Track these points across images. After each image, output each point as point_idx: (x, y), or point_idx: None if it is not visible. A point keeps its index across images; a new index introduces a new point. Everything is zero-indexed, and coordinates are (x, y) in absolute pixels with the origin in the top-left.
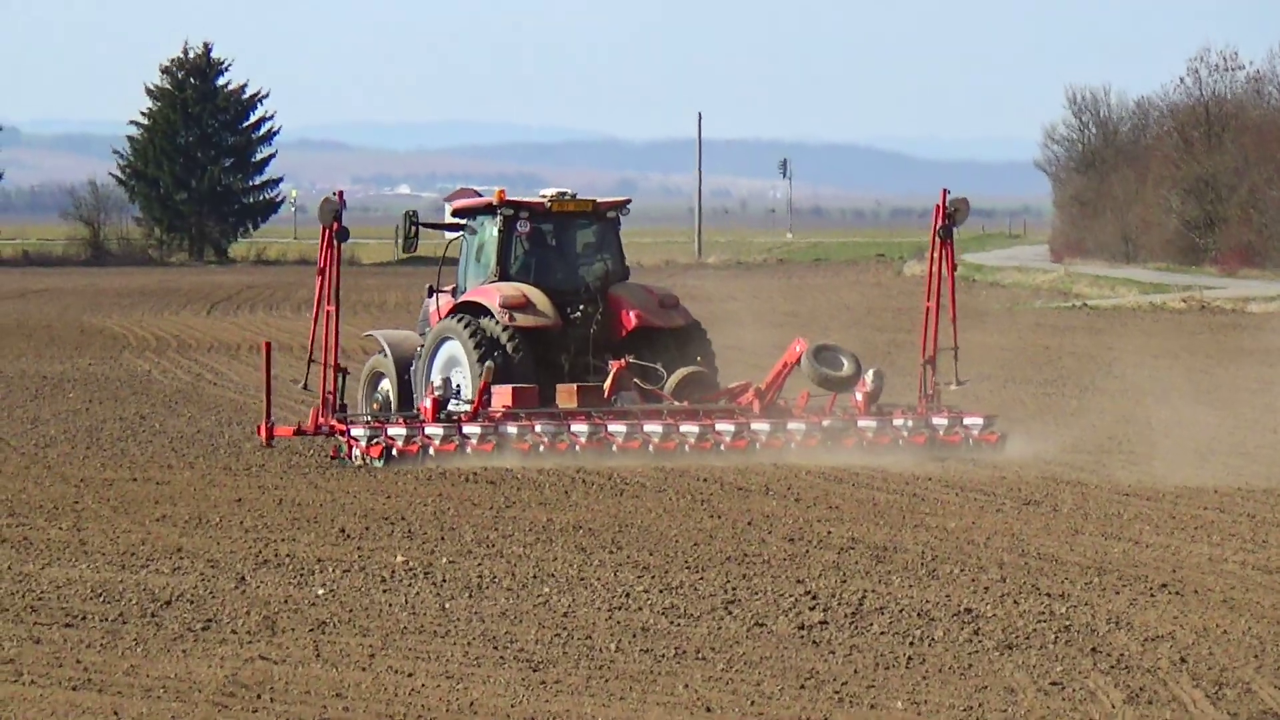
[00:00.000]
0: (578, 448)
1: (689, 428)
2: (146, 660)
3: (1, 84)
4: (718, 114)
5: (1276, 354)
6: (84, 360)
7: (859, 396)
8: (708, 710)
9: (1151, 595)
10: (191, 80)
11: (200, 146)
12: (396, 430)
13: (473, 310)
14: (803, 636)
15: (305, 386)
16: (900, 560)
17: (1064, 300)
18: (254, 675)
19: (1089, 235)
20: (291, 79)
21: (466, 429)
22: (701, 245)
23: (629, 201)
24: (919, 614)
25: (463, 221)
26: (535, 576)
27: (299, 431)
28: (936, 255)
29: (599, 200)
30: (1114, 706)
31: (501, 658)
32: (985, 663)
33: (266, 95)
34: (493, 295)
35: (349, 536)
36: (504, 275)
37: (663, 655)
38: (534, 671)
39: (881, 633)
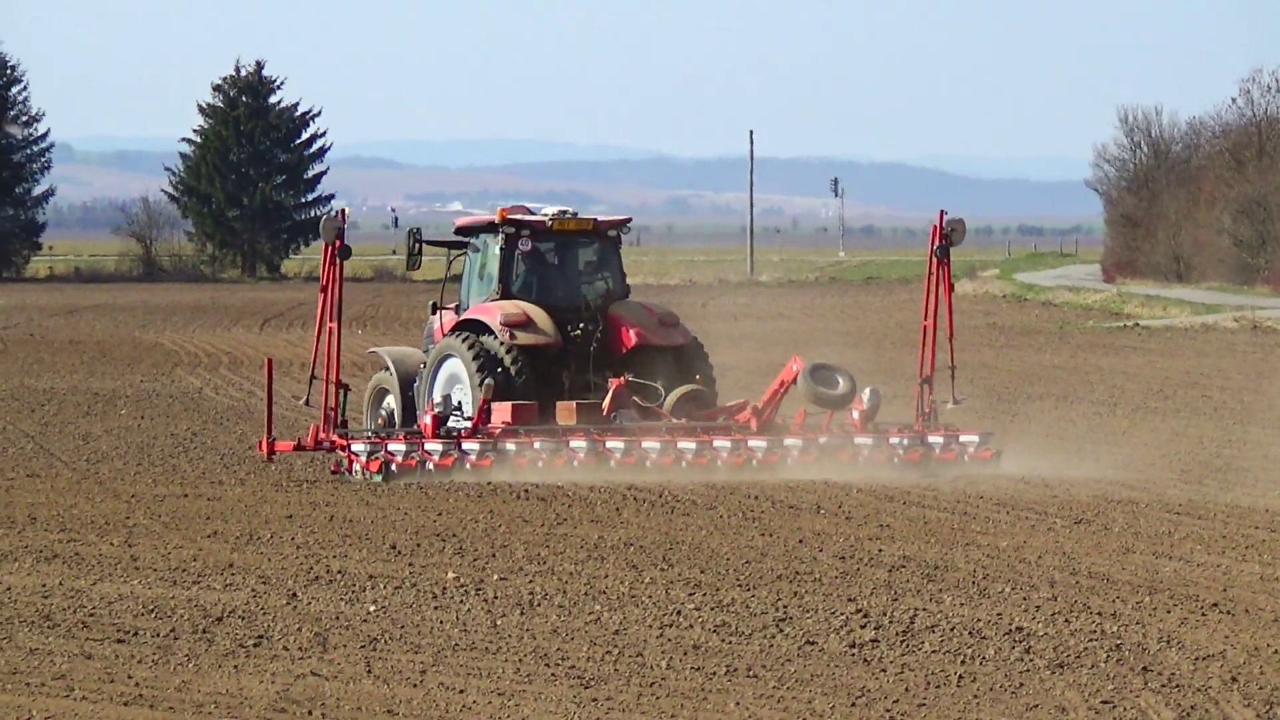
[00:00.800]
0: (575, 464)
1: (686, 444)
2: (198, 676)
3: (54, 101)
4: (770, 132)
5: None
6: (136, 376)
7: (856, 415)
8: None
9: (1203, 614)
10: (244, 98)
11: (252, 163)
12: (396, 446)
13: (474, 328)
14: (854, 654)
15: (308, 402)
16: (951, 578)
17: (1115, 320)
18: (305, 692)
19: (1140, 255)
20: (344, 97)
21: (466, 445)
22: (754, 263)
23: (629, 220)
24: (970, 632)
25: (466, 240)
26: (586, 594)
27: (299, 447)
28: (934, 275)
29: (600, 219)
30: None
31: (553, 675)
32: (1036, 682)
33: (318, 113)
34: (494, 313)
35: (400, 553)
36: (505, 293)
37: (714, 673)
38: (585, 689)
39: (933, 651)
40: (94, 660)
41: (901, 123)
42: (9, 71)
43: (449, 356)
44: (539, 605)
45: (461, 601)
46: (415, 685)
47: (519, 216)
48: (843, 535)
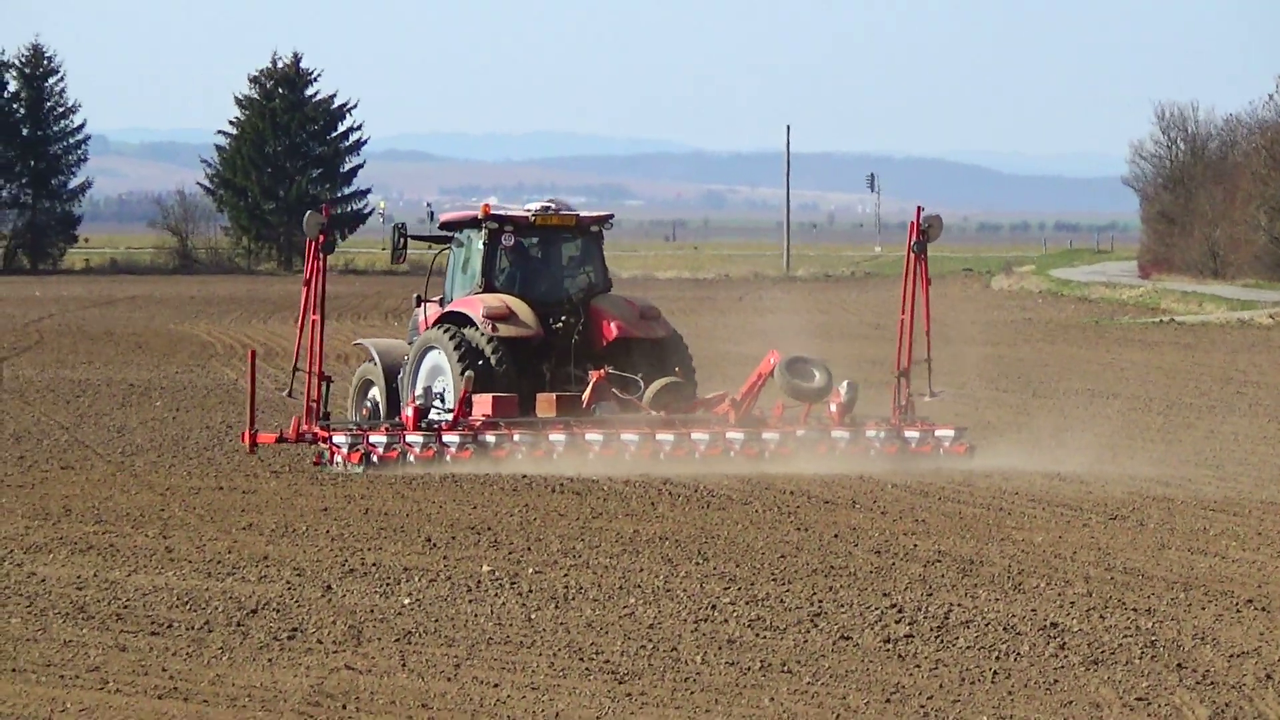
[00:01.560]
0: (555, 456)
1: (665, 436)
2: (232, 669)
3: (90, 93)
4: (807, 127)
5: None
6: (171, 368)
7: (833, 408)
8: None
9: (1238, 611)
10: (280, 90)
11: (288, 156)
12: (377, 438)
13: (457, 320)
14: (888, 650)
15: (290, 394)
16: (986, 574)
17: (1151, 316)
18: (339, 685)
19: (1176, 251)
20: (381, 90)
21: (446, 437)
22: (790, 258)
23: (611, 216)
24: (1005, 628)
25: (451, 234)
26: (621, 587)
27: (281, 439)
28: (911, 270)
29: (582, 214)
30: None
31: (587, 669)
32: (1071, 678)
33: (355, 106)
34: (476, 306)
35: (435, 546)
36: (489, 286)
37: (748, 668)
38: (619, 683)
39: (967, 647)
40: (128, 652)
41: (939, 118)
42: (46, 63)
43: (431, 348)
44: (574, 599)
45: (496, 595)
46: (449, 679)
47: (502, 212)
48: (878, 530)
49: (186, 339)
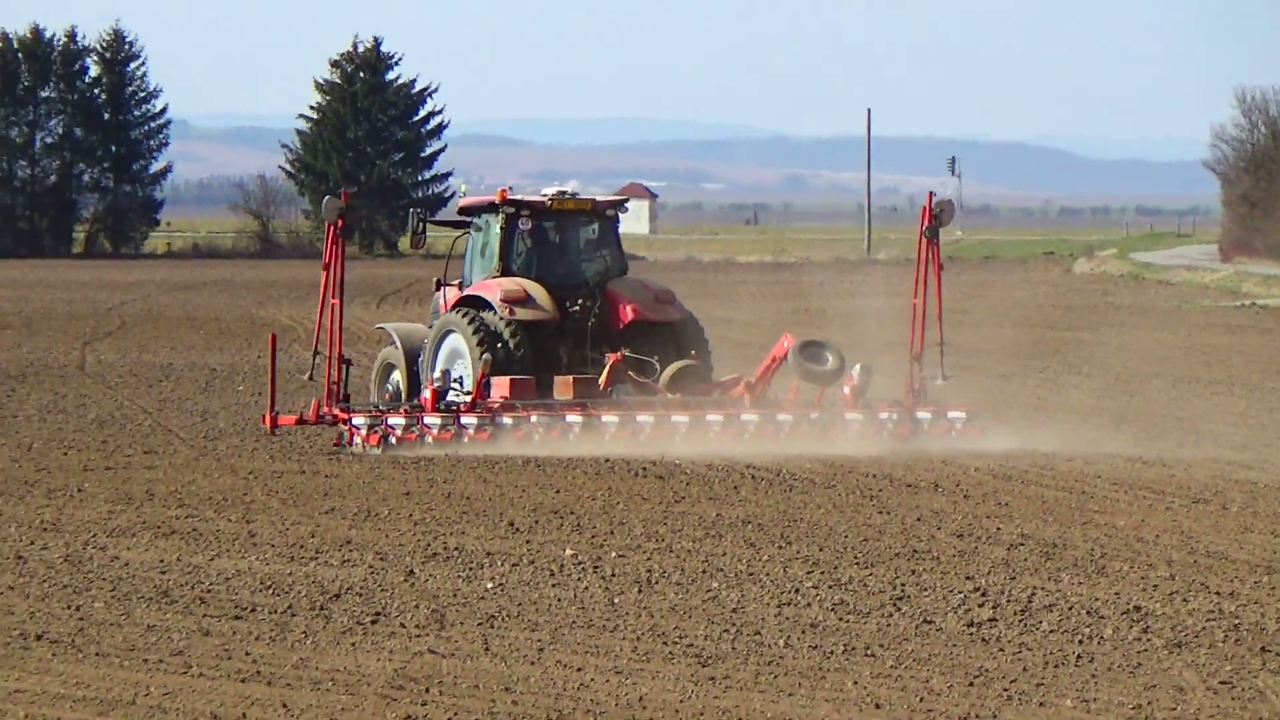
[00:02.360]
0: (571, 437)
1: (680, 418)
2: (315, 653)
3: (171, 77)
4: (887, 111)
5: None
6: (253, 353)
7: (847, 390)
8: (876, 707)
9: None
10: (361, 74)
11: (369, 141)
12: (395, 420)
13: (475, 304)
14: (971, 634)
15: (311, 377)
16: (1069, 557)
17: (1233, 299)
18: (422, 669)
19: (1258, 235)
20: (461, 74)
21: (464, 419)
22: (871, 242)
23: (627, 200)
24: (1088, 612)
25: (469, 219)
26: (704, 571)
27: (301, 421)
28: (923, 254)
29: (598, 199)
30: None
31: (670, 653)
32: (1154, 661)
33: (436, 90)
34: (494, 290)
35: (518, 530)
36: (506, 270)
37: (831, 651)
38: (703, 667)
39: (1050, 631)
40: (211, 637)
41: (1020, 102)
42: (127, 48)
43: (450, 332)
44: (657, 583)
45: (579, 579)
46: (533, 663)
47: (519, 197)
48: (961, 513)
49: (268, 323)
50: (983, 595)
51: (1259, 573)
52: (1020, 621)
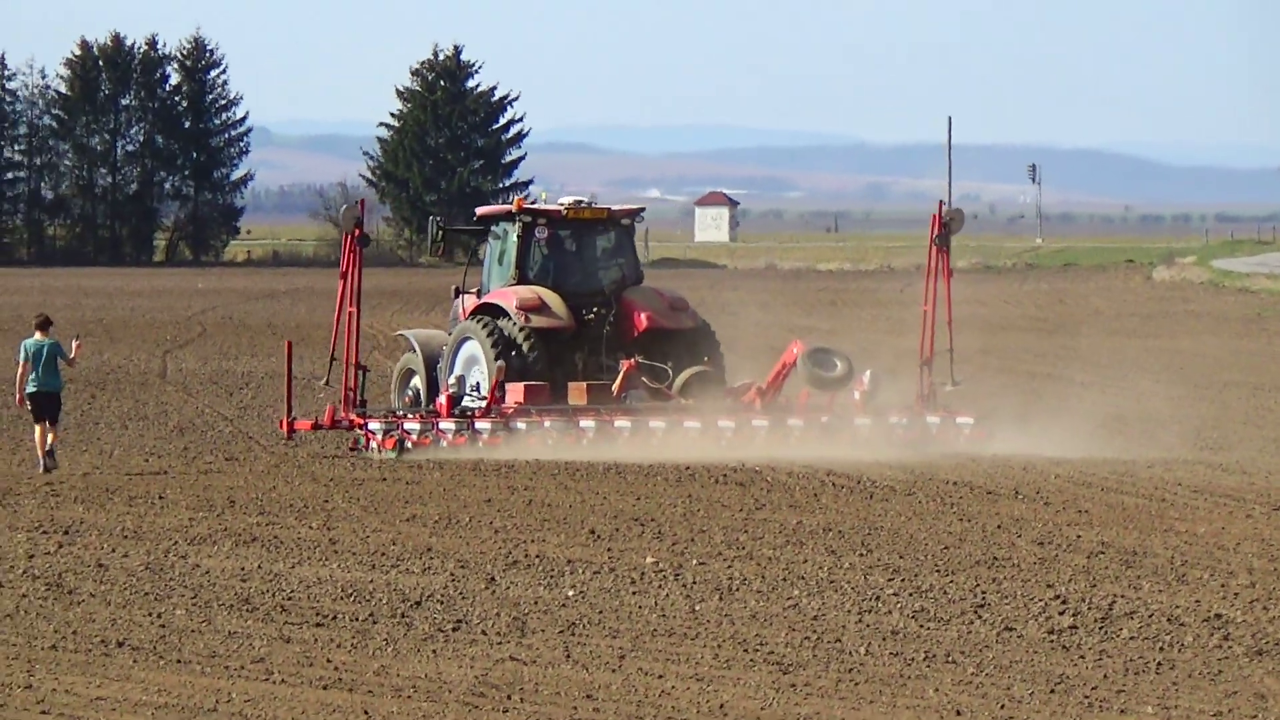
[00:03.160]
0: (585, 442)
1: (692, 424)
2: (397, 660)
3: (253, 85)
4: (967, 118)
5: None
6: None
7: (857, 395)
8: (958, 714)
9: None
10: (442, 82)
11: (450, 148)
12: (411, 425)
13: (491, 311)
14: (1052, 641)
15: (328, 383)
16: (1149, 565)
17: None
18: (504, 676)
19: None
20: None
21: (478, 424)
22: (951, 250)
23: (643, 210)
24: (1168, 619)
25: (487, 227)
26: (785, 579)
27: (317, 426)
28: (933, 262)
29: (613, 208)
30: None
31: (751, 660)
32: (1235, 669)
33: (517, 97)
34: (510, 297)
35: (599, 537)
36: (523, 278)
37: (912, 659)
38: (784, 674)
39: (1131, 638)
40: (292, 644)
41: (1100, 109)
42: (207, 56)
43: (467, 339)
44: (737, 590)
45: (660, 586)
46: (614, 670)
47: (536, 206)
48: (1041, 521)
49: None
50: (1063, 603)
51: None
52: (1101, 629)
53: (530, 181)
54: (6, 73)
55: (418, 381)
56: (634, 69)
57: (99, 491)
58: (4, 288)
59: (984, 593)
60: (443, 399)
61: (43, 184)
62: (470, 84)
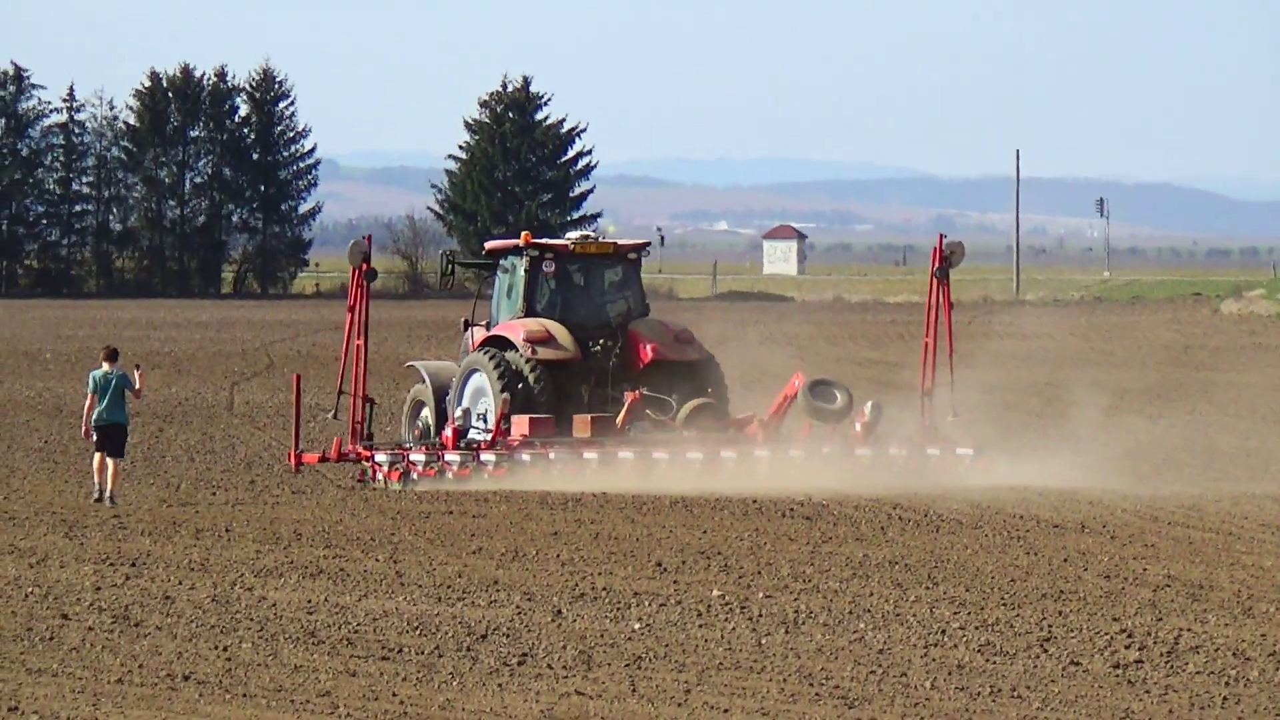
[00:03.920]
0: (588, 474)
1: (694, 455)
2: (462, 694)
3: (320, 117)
4: (1035, 152)
5: None
6: (401, 393)
7: (858, 427)
8: None
9: None
10: (510, 114)
11: (518, 181)
12: (417, 456)
13: (499, 344)
14: (1118, 675)
15: (335, 416)
16: (1216, 599)
17: None
18: (570, 710)
19: None
20: (610, 114)
21: (484, 456)
22: (1019, 283)
23: (648, 244)
24: (1235, 654)
25: (496, 261)
26: (851, 612)
27: (324, 458)
28: (934, 294)
29: (619, 242)
30: None
31: (817, 694)
32: None
33: (585, 130)
34: (517, 330)
35: (665, 570)
36: (530, 311)
37: (978, 693)
38: (849, 708)
39: (1197, 672)
40: (358, 677)
41: (1169, 143)
42: (276, 87)
43: (475, 371)
44: (803, 624)
45: (726, 620)
46: (680, 704)
47: (543, 240)
48: (1107, 554)
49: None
50: (1129, 636)
51: None
52: (1167, 663)
53: (599, 214)
54: (75, 104)
55: (428, 413)
56: (702, 102)
57: (166, 524)
58: (72, 320)
59: (1050, 626)
60: (448, 431)
61: (111, 216)
62: (539, 116)
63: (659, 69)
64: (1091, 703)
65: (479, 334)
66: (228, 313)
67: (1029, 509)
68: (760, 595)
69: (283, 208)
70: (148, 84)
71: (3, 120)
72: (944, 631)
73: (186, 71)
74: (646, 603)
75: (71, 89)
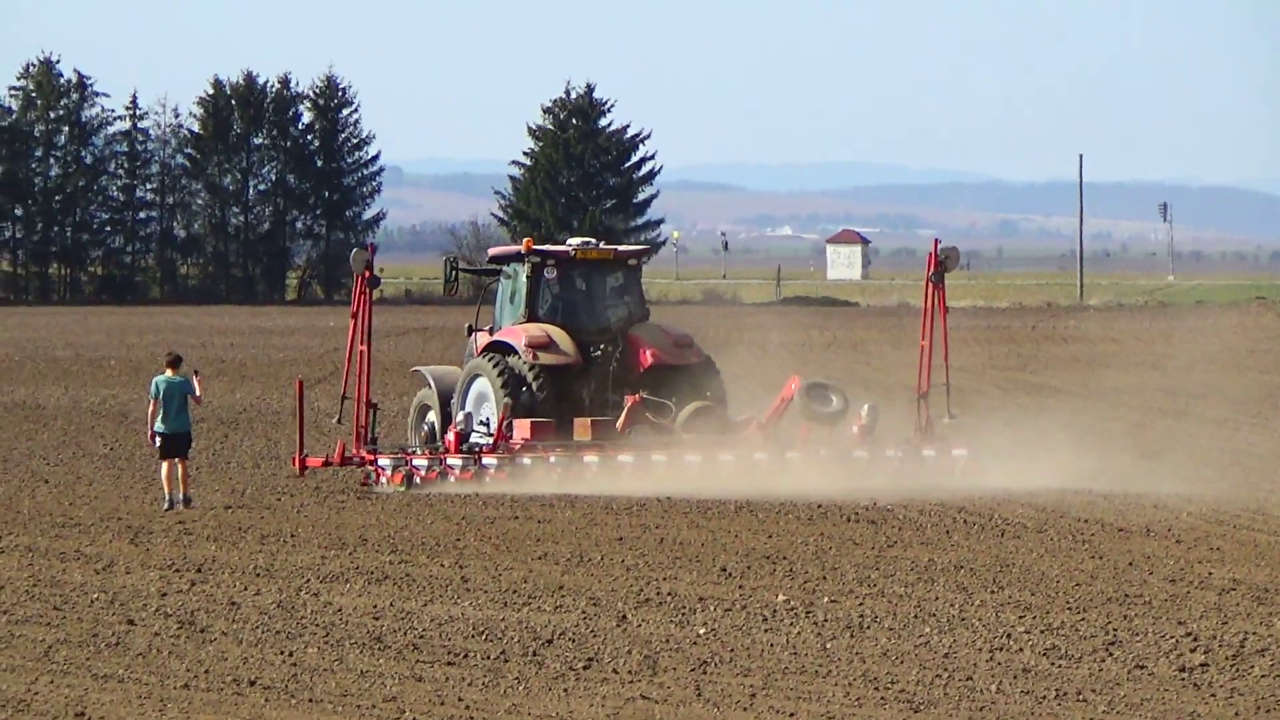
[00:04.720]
0: (589, 476)
1: (693, 457)
2: (528, 699)
3: (385, 124)
4: (1099, 156)
5: None
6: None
7: (855, 429)
8: None
9: None
10: (574, 120)
11: (582, 186)
12: (419, 460)
13: (501, 349)
14: (1183, 679)
15: (339, 421)
16: None
17: None
18: (635, 714)
19: None
20: (674, 120)
21: (485, 460)
22: (1083, 287)
23: (648, 250)
24: None
25: (499, 267)
26: (916, 616)
27: (328, 463)
28: (930, 298)
29: (620, 249)
30: None
31: (882, 698)
32: None
33: (649, 136)
34: (519, 335)
35: (730, 575)
36: (532, 316)
37: (1043, 697)
38: (915, 712)
39: (1263, 675)
40: (424, 683)
41: (1231, 146)
42: (340, 95)
43: (478, 376)
44: (869, 628)
45: (791, 624)
46: (745, 709)
47: (545, 247)
48: (1172, 558)
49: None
50: (1194, 640)
51: None
52: (1232, 666)
53: (662, 220)
54: (139, 111)
55: (433, 417)
56: (766, 107)
57: (231, 530)
58: (136, 326)
59: (1115, 630)
60: (451, 435)
61: (175, 223)
62: (602, 122)
63: (723, 74)
64: (1157, 706)
65: (482, 339)
66: (291, 320)
67: (1094, 513)
68: (825, 599)
69: (347, 214)
70: (211, 92)
71: (66, 128)
72: (1009, 635)
73: (250, 79)
74: (711, 607)
75: (135, 97)
